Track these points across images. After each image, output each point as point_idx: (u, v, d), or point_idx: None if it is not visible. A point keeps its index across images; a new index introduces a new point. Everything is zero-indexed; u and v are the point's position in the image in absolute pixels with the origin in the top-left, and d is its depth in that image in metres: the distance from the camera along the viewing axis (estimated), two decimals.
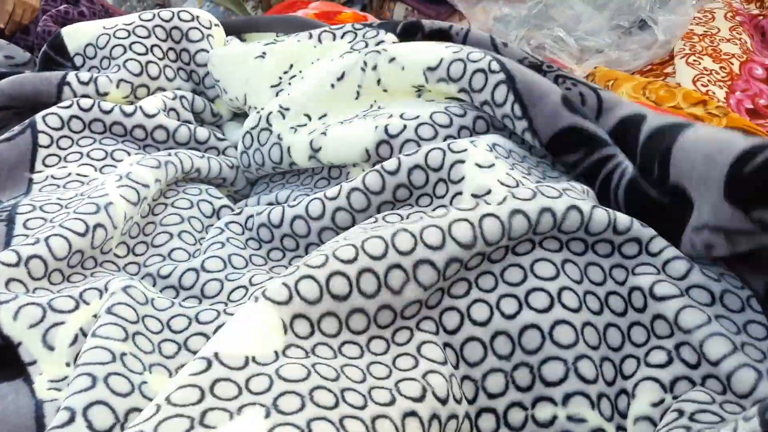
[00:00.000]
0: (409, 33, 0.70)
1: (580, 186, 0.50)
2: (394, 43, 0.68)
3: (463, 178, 0.50)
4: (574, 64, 0.89)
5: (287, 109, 0.64)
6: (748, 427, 0.31)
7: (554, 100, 0.53)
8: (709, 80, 0.83)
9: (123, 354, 0.40)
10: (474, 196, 0.48)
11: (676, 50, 0.92)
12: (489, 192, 0.48)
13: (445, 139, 0.56)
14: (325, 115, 0.62)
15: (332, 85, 0.64)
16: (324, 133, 0.60)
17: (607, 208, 0.45)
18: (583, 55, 0.89)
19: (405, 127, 0.56)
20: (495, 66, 0.55)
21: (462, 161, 0.51)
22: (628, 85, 0.86)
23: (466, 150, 0.51)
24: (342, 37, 0.71)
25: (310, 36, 0.72)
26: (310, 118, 0.63)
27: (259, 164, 0.67)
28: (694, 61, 0.87)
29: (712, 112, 0.75)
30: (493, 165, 0.50)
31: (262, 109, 0.67)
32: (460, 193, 0.50)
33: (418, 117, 0.57)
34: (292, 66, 0.72)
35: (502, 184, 0.48)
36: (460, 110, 0.58)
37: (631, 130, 0.52)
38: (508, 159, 0.52)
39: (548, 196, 0.45)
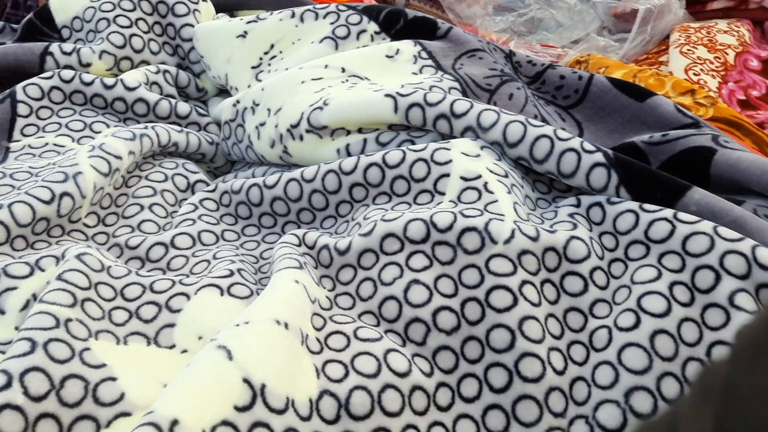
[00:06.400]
0: (391, 21, 0.70)
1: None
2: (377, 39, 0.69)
3: (450, 161, 0.50)
4: (561, 49, 0.88)
5: (257, 105, 0.64)
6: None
7: None
8: (701, 69, 0.81)
9: (68, 320, 0.40)
10: (463, 179, 0.49)
11: (672, 40, 0.90)
12: (479, 177, 0.48)
13: None
14: (280, 109, 0.62)
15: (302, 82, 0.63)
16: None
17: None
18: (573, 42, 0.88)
19: (365, 141, 0.57)
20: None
21: (447, 149, 0.51)
22: (618, 73, 0.84)
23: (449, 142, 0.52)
24: (324, 17, 0.70)
25: (293, 15, 0.72)
26: (269, 113, 0.63)
27: (239, 157, 0.69)
28: (689, 50, 0.85)
29: (700, 102, 0.73)
30: (479, 155, 0.51)
31: (238, 102, 0.67)
32: (446, 176, 0.49)
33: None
34: (272, 46, 0.72)
35: (491, 172, 0.49)
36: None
37: None
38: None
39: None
